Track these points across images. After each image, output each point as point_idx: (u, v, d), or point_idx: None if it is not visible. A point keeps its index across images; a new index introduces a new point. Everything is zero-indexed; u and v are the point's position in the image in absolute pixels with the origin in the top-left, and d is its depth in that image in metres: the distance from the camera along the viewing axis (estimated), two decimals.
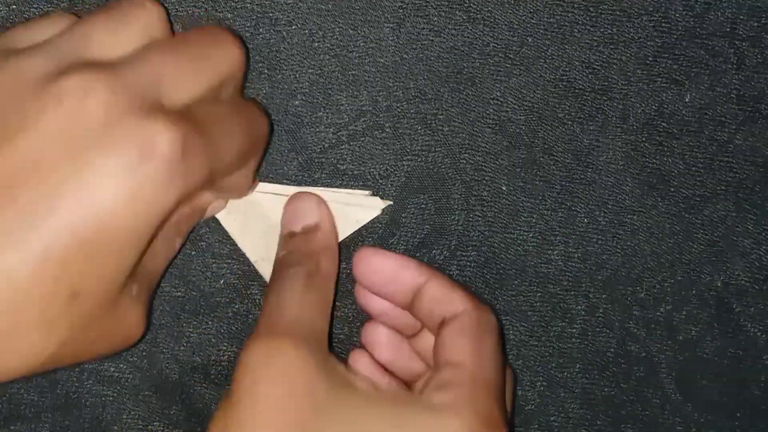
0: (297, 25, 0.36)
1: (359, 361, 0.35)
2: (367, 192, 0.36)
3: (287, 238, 0.35)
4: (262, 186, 0.36)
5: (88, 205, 0.26)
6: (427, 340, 0.35)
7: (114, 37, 0.28)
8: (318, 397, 0.28)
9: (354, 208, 0.36)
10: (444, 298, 0.33)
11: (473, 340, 0.32)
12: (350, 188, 0.37)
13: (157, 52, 0.29)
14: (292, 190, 0.36)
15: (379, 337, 0.36)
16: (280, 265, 0.34)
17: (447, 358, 0.31)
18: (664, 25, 0.37)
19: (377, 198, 0.36)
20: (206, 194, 0.33)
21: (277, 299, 0.32)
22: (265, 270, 0.36)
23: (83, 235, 0.26)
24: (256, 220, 0.35)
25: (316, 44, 0.36)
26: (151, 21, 0.29)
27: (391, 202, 0.37)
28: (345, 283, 0.37)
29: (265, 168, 0.36)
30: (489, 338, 0.32)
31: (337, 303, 0.37)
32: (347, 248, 0.37)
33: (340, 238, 0.36)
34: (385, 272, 0.34)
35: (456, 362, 0.31)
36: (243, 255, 0.37)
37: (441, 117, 0.37)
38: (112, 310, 0.28)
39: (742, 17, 0.37)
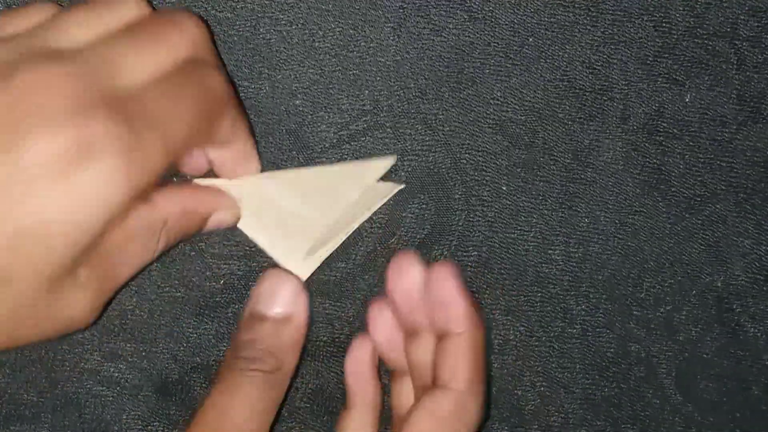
0: (297, 25, 0.36)
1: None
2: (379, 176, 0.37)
3: (255, 320, 0.34)
4: (269, 174, 0.35)
5: (20, 201, 0.26)
6: (421, 347, 0.35)
7: (88, 29, 0.29)
8: None
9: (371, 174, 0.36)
10: (450, 315, 0.33)
11: (471, 364, 0.33)
12: None
13: (116, 36, 0.29)
14: (292, 174, 0.35)
15: (384, 320, 0.36)
16: (238, 360, 0.33)
17: (446, 379, 0.33)
18: (664, 25, 0.37)
19: (390, 183, 0.36)
20: (205, 197, 0.32)
21: (230, 402, 0.32)
22: (286, 259, 0.35)
23: (11, 229, 0.26)
24: (269, 212, 0.35)
25: (317, 44, 0.36)
26: (129, 13, 0.30)
27: (403, 185, 0.37)
28: (344, 284, 0.37)
29: (267, 168, 0.36)
30: (483, 359, 0.33)
31: (337, 304, 0.37)
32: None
33: (366, 210, 0.36)
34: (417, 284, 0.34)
35: (452, 389, 0.32)
36: (243, 255, 0.36)
37: (441, 117, 0.37)
38: (52, 294, 0.28)
39: (742, 17, 0.37)
